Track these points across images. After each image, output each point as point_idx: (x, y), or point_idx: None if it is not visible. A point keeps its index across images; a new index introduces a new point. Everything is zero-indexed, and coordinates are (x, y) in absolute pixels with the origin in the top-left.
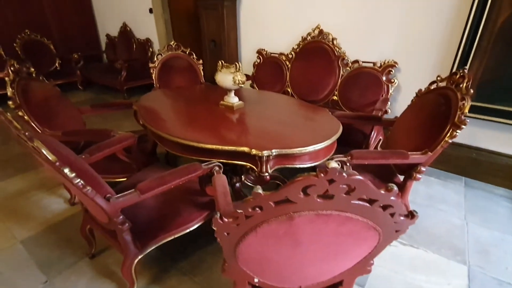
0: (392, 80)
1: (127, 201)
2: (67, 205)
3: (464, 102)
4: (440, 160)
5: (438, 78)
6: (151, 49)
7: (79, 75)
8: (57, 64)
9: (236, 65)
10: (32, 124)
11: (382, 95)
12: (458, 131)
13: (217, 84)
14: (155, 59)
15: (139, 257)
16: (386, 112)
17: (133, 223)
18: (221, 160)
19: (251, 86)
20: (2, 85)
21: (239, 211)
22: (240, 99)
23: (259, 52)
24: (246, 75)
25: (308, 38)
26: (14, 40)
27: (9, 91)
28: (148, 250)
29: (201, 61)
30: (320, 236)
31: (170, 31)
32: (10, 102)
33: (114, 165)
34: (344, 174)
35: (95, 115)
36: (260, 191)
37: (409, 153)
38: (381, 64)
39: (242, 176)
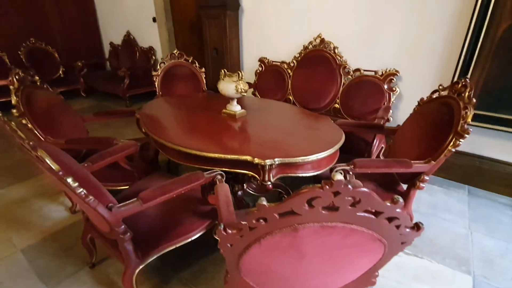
0: (394, 89)
1: (129, 210)
2: (68, 213)
3: (466, 111)
4: (443, 168)
5: (440, 87)
6: (153, 57)
7: (82, 82)
8: (60, 72)
9: (238, 73)
10: (36, 132)
11: (384, 103)
12: (461, 140)
13: (219, 92)
14: (158, 67)
15: (140, 267)
16: (388, 120)
17: (134, 232)
18: (223, 169)
19: (253, 94)
20: (5, 92)
21: (243, 222)
22: (242, 107)
23: (261, 60)
24: (248, 83)
25: (309, 47)
26: (19, 48)
27: (14, 100)
28: (150, 260)
29: (203, 69)
30: (325, 248)
31: (173, 40)
32: (14, 110)
33: (115, 173)
34: (349, 186)
35: (98, 122)
36: (265, 202)
37: (412, 162)
38: (382, 72)
39: (244, 184)
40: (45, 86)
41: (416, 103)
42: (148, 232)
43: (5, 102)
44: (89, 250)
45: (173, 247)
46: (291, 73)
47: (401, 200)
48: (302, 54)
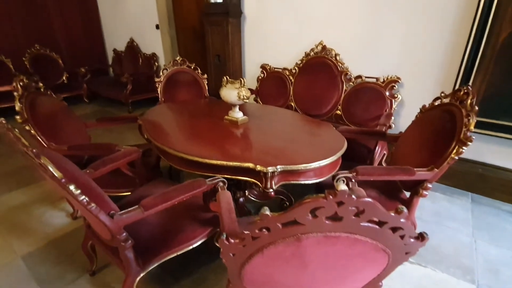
0: (396, 95)
1: (130, 218)
2: (69, 219)
3: (469, 118)
4: (446, 175)
5: (442, 94)
6: (156, 64)
7: (85, 88)
8: (64, 78)
9: (240, 80)
10: (39, 138)
11: (386, 110)
12: (464, 147)
13: (222, 99)
14: (161, 73)
15: (141, 275)
16: (390, 127)
17: (135, 239)
18: (225, 176)
19: (255, 100)
20: (9, 98)
21: (246, 232)
22: (244, 114)
23: (263, 67)
24: (250, 89)
25: (311, 54)
26: (24, 54)
27: (18, 106)
28: (151, 268)
29: (205, 76)
30: (328, 258)
31: (175, 47)
32: (17, 117)
33: (117, 179)
34: (353, 196)
35: (100, 128)
36: (268, 212)
37: (415, 169)
38: (384, 79)
39: (246, 191)
40: (48, 92)
41: (418, 110)
42: (149, 240)
43: (8, 108)
44: (90, 257)
45: (174, 254)
46: (293, 80)
47: (405, 210)
48: (304, 61)
